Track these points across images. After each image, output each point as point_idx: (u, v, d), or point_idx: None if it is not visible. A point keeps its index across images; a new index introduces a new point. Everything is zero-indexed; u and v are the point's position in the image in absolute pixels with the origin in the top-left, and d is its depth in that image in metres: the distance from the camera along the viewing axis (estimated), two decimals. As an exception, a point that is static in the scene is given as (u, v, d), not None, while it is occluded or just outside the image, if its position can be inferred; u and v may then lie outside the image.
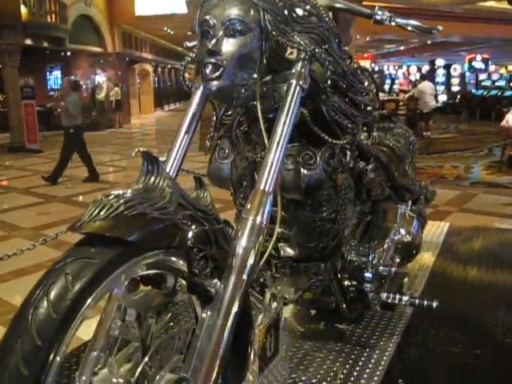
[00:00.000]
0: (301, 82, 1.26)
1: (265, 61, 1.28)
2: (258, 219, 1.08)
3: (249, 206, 1.09)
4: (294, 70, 1.27)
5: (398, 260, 2.14)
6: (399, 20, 1.49)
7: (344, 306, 1.83)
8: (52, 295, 0.83)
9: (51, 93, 17.60)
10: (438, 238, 3.18)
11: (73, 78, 12.01)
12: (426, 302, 1.74)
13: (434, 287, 2.45)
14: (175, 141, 1.31)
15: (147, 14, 16.60)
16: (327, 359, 1.85)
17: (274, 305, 1.39)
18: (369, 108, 1.57)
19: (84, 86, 16.56)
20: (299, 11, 1.33)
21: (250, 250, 1.05)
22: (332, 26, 1.37)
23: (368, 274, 1.85)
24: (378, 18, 1.47)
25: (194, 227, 1.02)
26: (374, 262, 1.93)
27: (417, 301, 1.77)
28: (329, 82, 1.37)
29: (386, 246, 2.04)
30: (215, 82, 1.23)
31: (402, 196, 2.41)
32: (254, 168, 1.47)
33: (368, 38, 19.71)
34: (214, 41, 1.23)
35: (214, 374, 1.00)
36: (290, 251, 1.61)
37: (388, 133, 2.67)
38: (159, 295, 1.05)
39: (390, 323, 2.09)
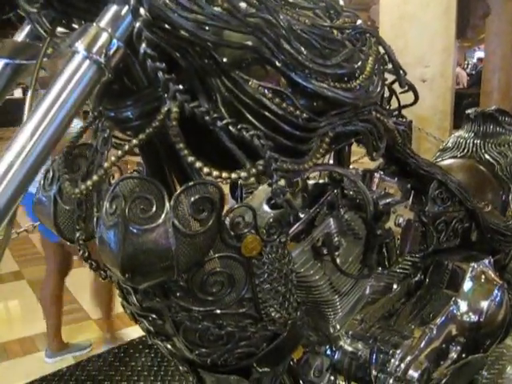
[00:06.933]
0: (94, 52, 0.61)
1: None
2: None
3: None
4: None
5: (454, 355, 1.30)
6: None
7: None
8: None
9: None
10: None
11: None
12: None
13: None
14: None
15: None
16: None
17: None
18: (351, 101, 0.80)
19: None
20: None
21: None
22: None
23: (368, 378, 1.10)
24: None
25: None
26: (396, 358, 1.16)
27: None
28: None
29: (429, 329, 1.23)
30: None
31: (493, 244, 1.53)
32: (90, 204, 0.82)
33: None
34: None
35: None
36: (186, 353, 0.91)
37: (490, 141, 1.76)
38: None
39: None
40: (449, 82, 3.40)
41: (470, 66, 15.02)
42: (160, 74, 0.64)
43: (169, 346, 0.91)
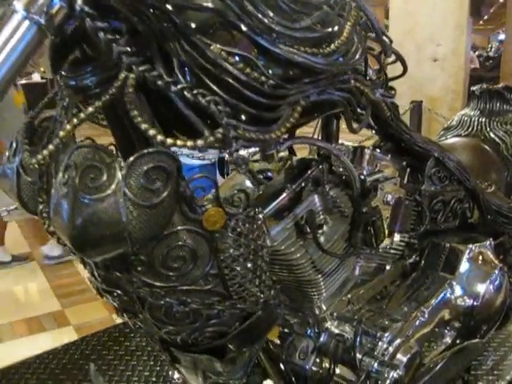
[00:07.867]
0: (34, 12, 0.58)
1: None
2: None
3: None
4: None
5: (448, 340, 1.25)
6: None
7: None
8: None
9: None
10: None
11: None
12: None
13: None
14: None
15: None
16: None
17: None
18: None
19: None
20: None
21: None
22: None
23: (356, 362, 1.06)
24: None
25: None
26: (384, 341, 1.11)
27: None
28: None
29: (420, 312, 1.19)
30: None
31: (496, 226, 1.47)
32: (51, 176, 0.79)
33: None
34: None
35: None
36: (155, 331, 0.89)
37: (496, 119, 1.69)
38: None
39: None
40: (461, 61, 3.28)
41: (493, 49, 14.69)
42: (101, 34, 0.60)
43: (138, 323, 0.88)
